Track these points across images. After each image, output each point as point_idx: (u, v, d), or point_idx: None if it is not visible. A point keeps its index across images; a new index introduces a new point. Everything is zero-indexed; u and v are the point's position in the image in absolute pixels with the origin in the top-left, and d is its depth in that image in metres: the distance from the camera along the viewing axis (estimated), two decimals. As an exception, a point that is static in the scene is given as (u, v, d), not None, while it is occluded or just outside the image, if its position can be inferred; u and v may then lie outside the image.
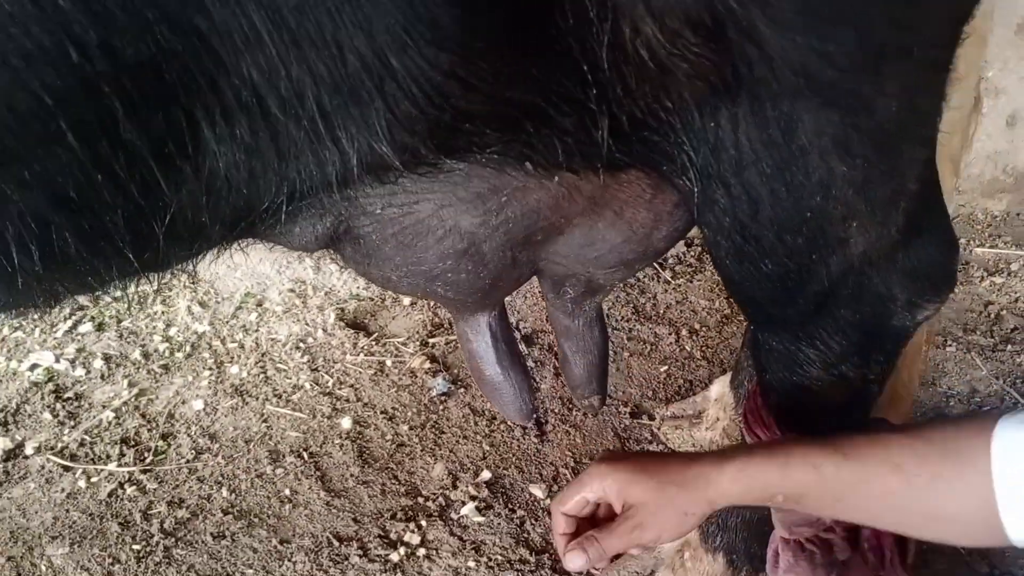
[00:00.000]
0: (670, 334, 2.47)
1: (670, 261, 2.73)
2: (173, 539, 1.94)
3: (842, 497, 1.03)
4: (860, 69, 0.82)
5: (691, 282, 2.66)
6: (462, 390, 2.32)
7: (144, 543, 1.93)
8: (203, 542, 1.93)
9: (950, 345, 2.38)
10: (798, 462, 1.05)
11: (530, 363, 2.36)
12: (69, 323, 2.58)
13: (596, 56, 0.83)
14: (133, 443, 2.19)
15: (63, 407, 2.30)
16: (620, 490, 1.08)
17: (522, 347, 2.40)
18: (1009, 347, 2.36)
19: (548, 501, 2.00)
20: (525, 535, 1.92)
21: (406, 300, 2.64)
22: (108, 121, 0.77)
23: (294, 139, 0.82)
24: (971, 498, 0.94)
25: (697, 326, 2.50)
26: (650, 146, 0.95)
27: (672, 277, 2.67)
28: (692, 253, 2.76)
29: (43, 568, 1.88)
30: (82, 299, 2.64)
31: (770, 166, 0.93)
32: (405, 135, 0.80)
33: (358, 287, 2.69)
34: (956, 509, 0.96)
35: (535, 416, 2.21)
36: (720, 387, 2.06)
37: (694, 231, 2.72)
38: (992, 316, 2.48)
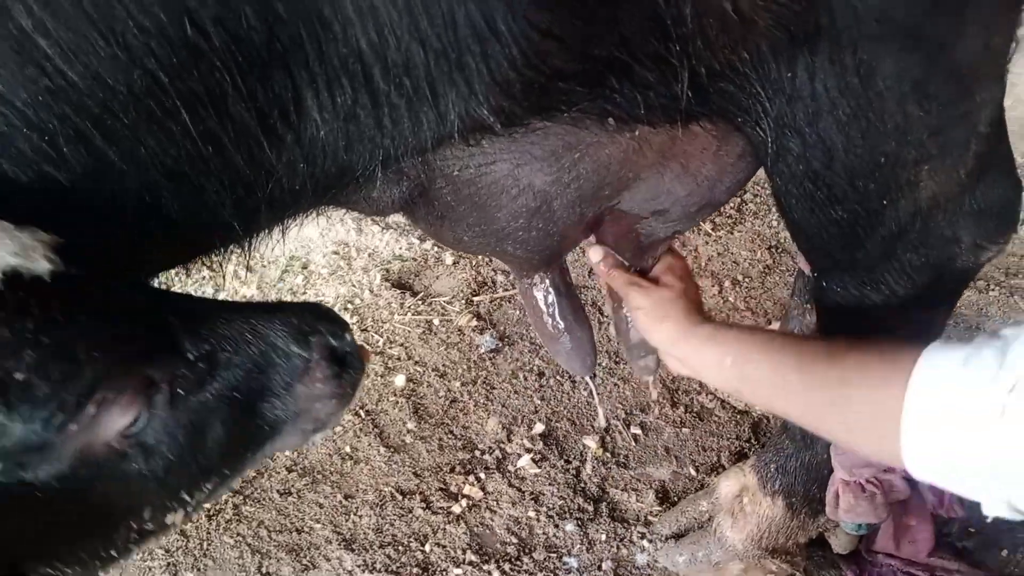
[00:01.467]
0: (713, 286, 2.49)
1: (709, 214, 2.74)
2: (241, 497, 2.00)
3: (777, 367, 1.06)
4: (942, 10, 0.84)
5: (732, 234, 2.67)
6: (509, 347, 2.36)
7: (214, 502, 2.00)
8: (270, 499, 2.00)
9: (993, 289, 2.39)
10: (760, 334, 1.12)
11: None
12: (121, 292, 2.64)
13: (680, 10, 0.85)
14: (193, 406, 2.25)
15: (123, 373, 2.36)
16: (667, 269, 1.32)
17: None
18: (1060, 296, 2.37)
19: (601, 452, 2.05)
20: (582, 485, 1.97)
21: (448, 259, 2.67)
22: (218, 94, 0.80)
23: (394, 106, 0.85)
24: (878, 415, 0.95)
25: (740, 277, 2.52)
26: (726, 97, 0.97)
27: (712, 229, 2.68)
28: (732, 204, 2.76)
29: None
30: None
31: (847, 113, 0.95)
32: (502, 97, 0.83)
33: (400, 248, 2.73)
34: (868, 412, 0.97)
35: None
36: (768, 336, 2.09)
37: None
38: (1036, 259, 2.48)
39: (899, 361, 0.95)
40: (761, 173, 1.16)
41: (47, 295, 0.68)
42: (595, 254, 1.31)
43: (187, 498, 0.82)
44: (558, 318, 1.36)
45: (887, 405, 0.94)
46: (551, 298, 1.35)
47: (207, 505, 1.95)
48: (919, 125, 0.96)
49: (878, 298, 1.22)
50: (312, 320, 0.87)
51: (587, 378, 2.10)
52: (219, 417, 0.80)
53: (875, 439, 0.98)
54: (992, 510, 0.91)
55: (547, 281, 1.34)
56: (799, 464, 1.59)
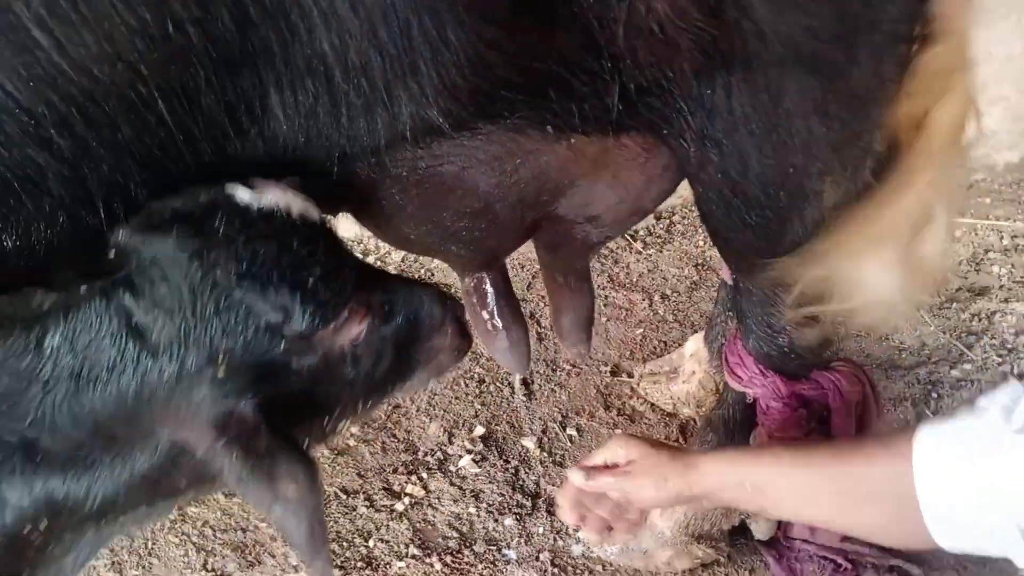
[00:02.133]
0: (643, 300, 2.63)
1: (641, 233, 2.89)
2: (186, 497, 2.04)
3: (794, 481, 1.16)
4: (838, 40, 0.98)
5: (661, 252, 2.82)
6: (451, 355, 2.45)
7: (158, 502, 2.03)
8: (215, 500, 2.04)
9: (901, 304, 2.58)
10: (766, 455, 1.22)
11: (514, 328, 2.51)
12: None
13: (612, 32, 0.97)
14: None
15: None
16: (627, 452, 1.30)
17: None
18: (954, 305, 2.57)
19: (539, 452, 2.15)
20: (520, 482, 2.07)
21: (393, 271, 2.76)
22: (192, 88, 0.89)
23: (352, 105, 0.95)
24: (898, 507, 1.04)
25: (668, 292, 2.67)
26: (653, 111, 1.10)
27: (643, 248, 2.83)
28: (661, 225, 2.92)
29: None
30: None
31: (759, 127, 1.08)
32: (451, 101, 0.94)
33: (345, 261, 2.80)
34: (888, 513, 1.07)
35: (522, 376, 2.36)
36: (695, 344, 2.23)
37: (663, 204, 2.87)
38: (939, 278, 2.69)
39: (899, 450, 1.05)
40: (688, 197, 1.29)
41: (321, 232, 0.97)
42: (577, 476, 1.33)
43: (358, 408, 1.06)
44: (496, 317, 1.45)
45: (902, 496, 1.03)
46: (490, 298, 1.45)
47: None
48: (822, 141, 1.10)
49: (790, 300, 1.36)
50: (445, 294, 1.14)
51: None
52: (390, 348, 1.05)
53: (904, 530, 1.08)
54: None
55: (488, 282, 1.44)
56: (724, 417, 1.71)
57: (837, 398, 1.46)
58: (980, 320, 2.50)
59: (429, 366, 1.13)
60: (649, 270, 2.75)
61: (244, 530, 1.98)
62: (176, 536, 1.96)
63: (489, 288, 1.49)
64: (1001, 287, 2.62)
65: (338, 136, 1.00)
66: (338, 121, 0.98)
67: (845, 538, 1.79)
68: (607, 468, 1.31)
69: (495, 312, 1.51)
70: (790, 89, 1.04)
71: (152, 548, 1.94)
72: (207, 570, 1.89)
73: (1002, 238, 2.81)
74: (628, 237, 2.87)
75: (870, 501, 1.08)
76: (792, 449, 1.22)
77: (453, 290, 2.59)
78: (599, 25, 0.97)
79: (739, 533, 1.86)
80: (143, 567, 1.90)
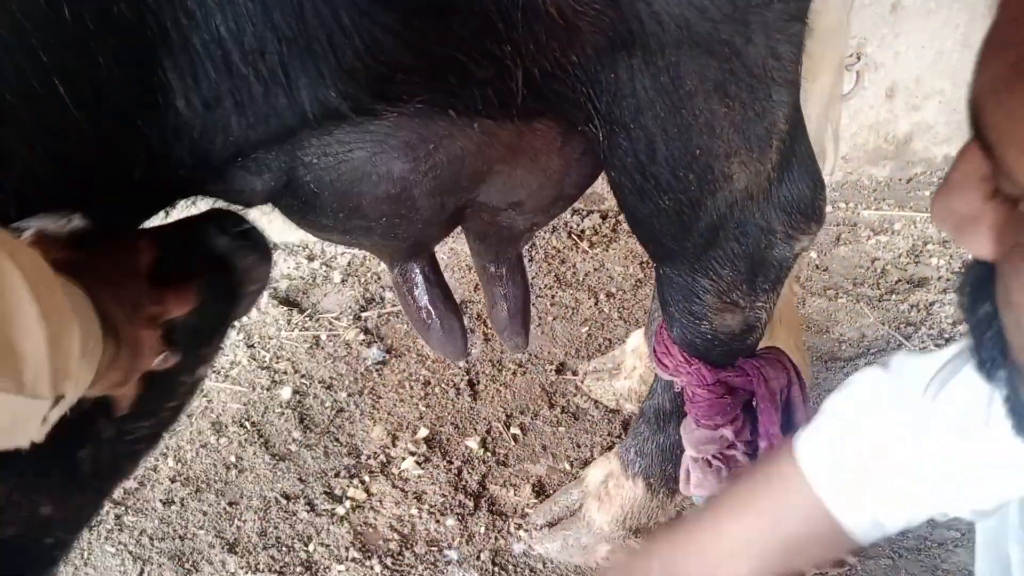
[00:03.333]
0: (589, 298, 2.64)
1: (587, 232, 2.90)
2: (123, 507, 2.01)
3: (702, 553, 1.07)
4: (730, 20, 0.99)
5: (607, 251, 2.84)
6: (396, 358, 2.44)
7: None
8: (153, 508, 2.01)
9: (841, 297, 2.62)
10: (664, 540, 1.16)
11: (459, 330, 2.50)
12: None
13: (511, 16, 0.97)
14: (75, 423, 2.24)
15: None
16: None
17: (451, 315, 2.53)
18: (894, 296, 2.61)
19: (482, 452, 2.15)
20: (463, 483, 2.06)
21: (337, 277, 2.74)
22: (95, 75, 0.88)
23: (252, 90, 0.94)
24: (816, 527, 0.99)
25: (614, 290, 2.68)
26: (559, 96, 1.10)
27: (589, 247, 2.84)
28: (607, 225, 2.94)
29: (-7, 542, 1.93)
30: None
31: (663, 110, 1.09)
32: (349, 84, 0.94)
33: (288, 267, 2.78)
34: (803, 523, 1.01)
35: (467, 377, 2.35)
36: (635, 339, 2.24)
37: (609, 204, 2.88)
38: (878, 271, 2.73)
39: (779, 470, 1.03)
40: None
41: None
42: None
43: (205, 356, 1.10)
44: (429, 306, 1.46)
45: (807, 506, 0.99)
46: (421, 287, 1.45)
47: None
48: (724, 121, 1.12)
49: (708, 284, 1.37)
50: (224, 217, 1.13)
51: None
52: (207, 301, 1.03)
53: (821, 537, 1.01)
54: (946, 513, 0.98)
55: (417, 271, 1.44)
56: (655, 446, 1.72)
57: (761, 385, 1.47)
58: (919, 311, 2.54)
59: (246, 284, 1.13)
60: (595, 269, 2.76)
61: (182, 538, 1.95)
62: (112, 545, 1.93)
63: (419, 278, 1.49)
64: (939, 278, 2.67)
65: (243, 124, 0.99)
66: (241, 108, 0.97)
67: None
68: None
69: (427, 302, 1.51)
70: (689, 70, 1.05)
71: (88, 558, 1.90)
72: (143, 580, 1.86)
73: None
74: (575, 236, 2.88)
75: (779, 530, 1.02)
76: (681, 526, 1.17)
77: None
78: (497, 10, 0.97)
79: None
80: (77, 579, 1.86)
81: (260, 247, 1.15)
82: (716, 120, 1.11)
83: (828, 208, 1.84)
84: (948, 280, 2.66)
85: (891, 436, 0.95)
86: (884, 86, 2.92)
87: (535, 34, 1.01)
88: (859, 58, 2.77)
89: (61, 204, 0.96)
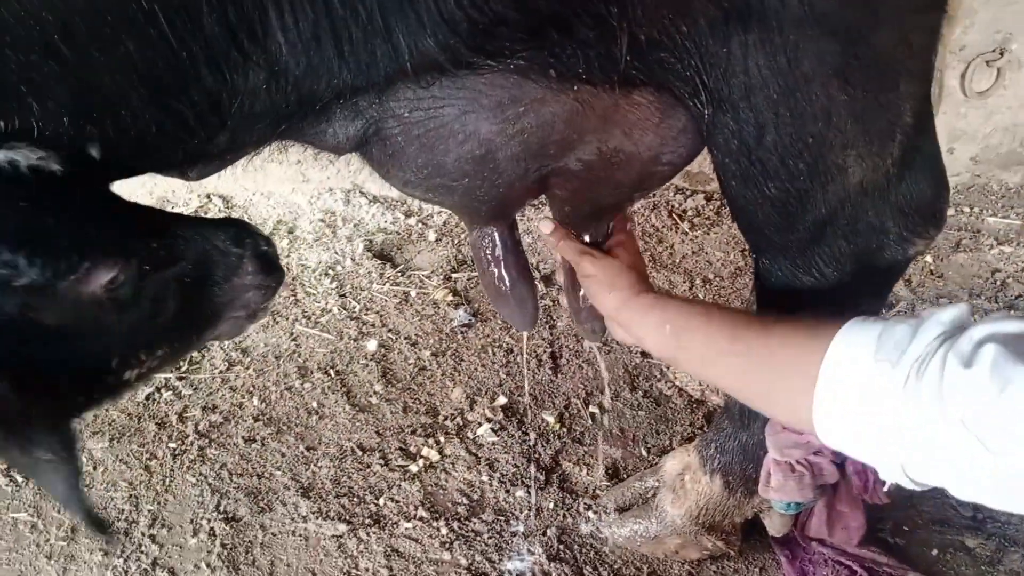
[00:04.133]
0: (684, 282, 2.56)
1: (689, 213, 2.81)
2: (207, 440, 2.08)
3: (710, 337, 1.12)
4: (859, 1, 0.91)
5: (708, 234, 2.74)
6: (481, 323, 2.43)
7: (179, 442, 2.07)
8: (235, 444, 2.07)
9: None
10: (699, 307, 1.19)
11: (547, 302, 2.47)
12: (113, 241, 2.72)
13: (620, -25, 0.92)
14: (171, 353, 2.33)
15: (106, 318, 2.43)
16: (616, 240, 1.40)
17: (540, 286, 2.50)
18: (1012, 313, 2.43)
19: (558, 427, 2.12)
20: (536, 455, 2.04)
21: (431, 235, 2.75)
22: (193, 5, 0.87)
23: (352, 35, 0.92)
24: (796, 384, 1.00)
25: (711, 276, 2.59)
26: (666, 66, 1.04)
27: (690, 228, 2.75)
28: (711, 207, 2.84)
29: (84, 460, 2.03)
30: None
31: (776, 91, 1.02)
32: (449, 34, 0.91)
33: (386, 221, 2.80)
34: (787, 381, 1.02)
35: (551, 350, 2.33)
36: (729, 329, 2.16)
37: (715, 185, 2.78)
38: (998, 283, 2.55)
39: (820, 334, 1.01)
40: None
41: (57, 183, 0.88)
42: (545, 226, 1.42)
43: (143, 358, 1.00)
44: (503, 272, 1.42)
45: (804, 375, 0.99)
46: (498, 252, 1.41)
47: (171, 445, 2.02)
48: (843, 109, 1.03)
49: (809, 282, 1.29)
50: (245, 230, 1.09)
51: (595, 348, 2.19)
52: (173, 294, 0.99)
53: (791, 407, 1.03)
54: (889, 476, 0.97)
55: (495, 236, 1.40)
56: (737, 444, 1.65)
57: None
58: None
59: (235, 308, 1.08)
60: (694, 252, 2.68)
61: (260, 476, 2.00)
62: (194, 476, 2.00)
63: (497, 243, 1.45)
64: (1068, 297, 2.47)
65: (340, 67, 0.98)
66: (340, 51, 0.95)
67: (862, 543, 1.72)
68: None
69: (502, 267, 1.47)
70: (809, 51, 0.97)
71: (169, 485, 1.98)
72: (219, 512, 1.92)
73: None
74: (676, 216, 2.80)
75: (770, 372, 1.05)
76: (726, 310, 1.18)
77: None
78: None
79: (752, 528, 1.80)
80: (158, 503, 1.94)
81: (270, 274, 1.09)
82: (834, 107, 1.03)
83: (950, 211, 1.72)
84: (1078, 300, 2.47)
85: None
86: (1029, 85, 2.70)
87: (644, -2, 0.95)
88: (1002, 54, 2.56)
89: (154, 139, 0.98)
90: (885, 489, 1.21)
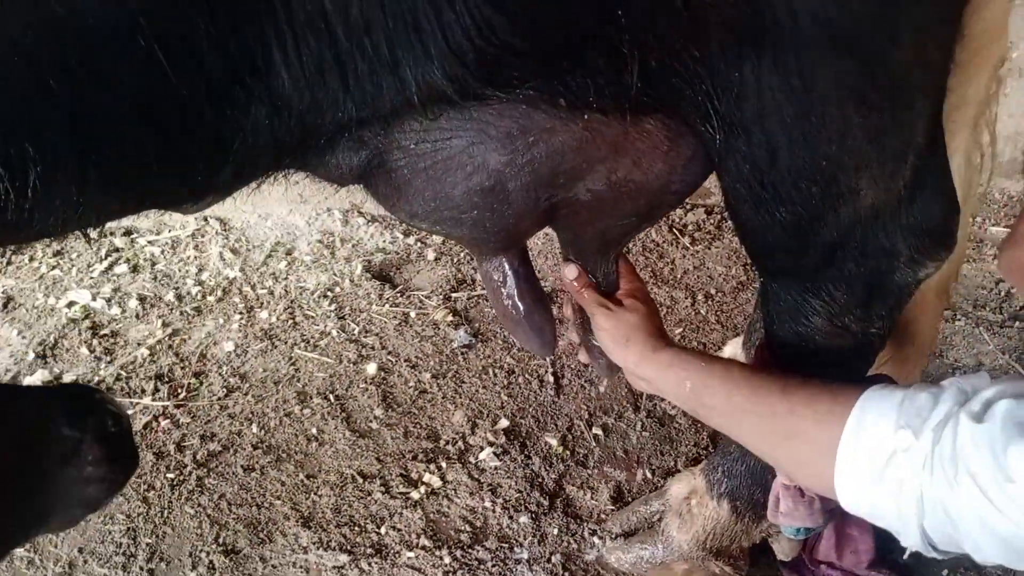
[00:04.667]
0: (686, 298, 2.54)
1: (690, 228, 2.79)
2: (205, 469, 2.04)
3: (732, 397, 1.14)
4: (875, 18, 0.89)
5: (709, 249, 2.72)
6: (482, 343, 2.41)
7: (177, 472, 2.03)
8: (234, 474, 2.03)
9: (959, 319, 2.44)
10: (720, 364, 1.21)
11: (549, 321, 2.44)
12: (105, 263, 2.68)
13: (631, 2, 0.90)
14: (167, 379, 2.29)
15: (99, 343, 2.40)
16: (631, 287, 1.41)
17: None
18: (1017, 324, 2.41)
19: (562, 449, 2.09)
20: (539, 480, 2.01)
21: (431, 255, 2.72)
22: (193, 41, 0.84)
23: (357, 67, 0.90)
24: (818, 449, 1.01)
25: (713, 291, 2.57)
26: (677, 92, 1.02)
27: (691, 243, 2.73)
28: (712, 221, 2.82)
29: (82, 490, 1.99)
30: (117, 240, 2.75)
31: (790, 114, 1.00)
32: (457, 65, 0.88)
33: (384, 241, 2.78)
34: (810, 446, 1.03)
35: (552, 371, 2.30)
36: (732, 348, 2.14)
37: (716, 199, 2.77)
38: (1002, 294, 2.53)
39: (842, 399, 1.02)
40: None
41: None
42: (571, 272, 1.41)
43: None
44: (517, 300, 1.40)
45: (827, 441, 1.00)
46: (510, 281, 1.39)
47: (169, 476, 1.99)
48: (858, 131, 1.01)
49: (819, 305, 1.27)
50: (89, 402, 0.88)
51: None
52: None
53: (814, 473, 1.05)
54: (911, 544, 0.97)
55: (506, 264, 1.38)
56: (744, 468, 1.63)
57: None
58: (1048, 351, 2.34)
59: (68, 504, 0.87)
60: (695, 267, 2.66)
61: (259, 506, 1.97)
62: (192, 507, 1.96)
63: (508, 271, 1.43)
64: (1070, 308, 2.46)
65: (345, 100, 0.95)
66: (344, 83, 0.93)
67: (871, 565, 1.69)
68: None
69: (515, 296, 1.45)
70: (823, 73, 0.95)
71: (167, 517, 1.94)
72: (218, 544, 1.88)
73: (1003, 277, 2.63)
74: (676, 231, 2.78)
75: (793, 437, 1.06)
76: (745, 369, 1.21)
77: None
78: (618, -5, 0.90)
79: (760, 552, 1.77)
80: (156, 535, 1.90)
81: (117, 462, 0.88)
82: (849, 129, 1.01)
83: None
84: (1082, 311, 2.45)
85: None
86: (1029, 95, 2.69)
87: (656, 24, 0.93)
88: (1003, 62, 2.55)
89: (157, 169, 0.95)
90: (905, 557, 1.21)
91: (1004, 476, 0.81)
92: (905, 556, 1.14)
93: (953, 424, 0.88)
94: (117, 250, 2.74)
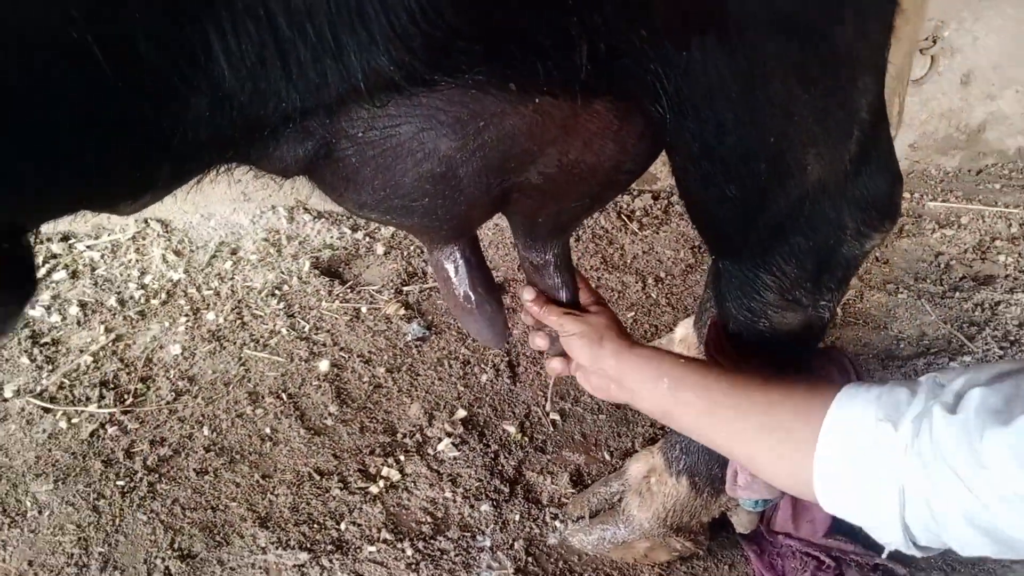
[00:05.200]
0: (637, 282, 2.56)
1: (637, 213, 2.82)
2: (156, 475, 1.99)
3: (707, 394, 1.15)
4: (819, -3, 0.90)
5: (657, 233, 2.75)
6: (436, 335, 2.39)
7: (128, 479, 1.98)
8: (186, 478, 1.99)
9: (901, 292, 2.50)
10: (696, 363, 1.22)
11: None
12: (43, 271, 2.60)
13: (578, -17, 0.90)
14: (112, 386, 2.23)
15: (40, 352, 2.33)
16: (590, 299, 1.43)
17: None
18: (957, 294, 2.49)
19: (520, 436, 2.09)
20: (499, 467, 2.01)
21: (380, 249, 2.70)
22: (126, 30, 0.82)
23: (300, 55, 0.88)
24: (797, 443, 1.02)
25: (662, 275, 2.59)
26: (625, 73, 1.02)
27: (639, 228, 2.75)
28: (659, 206, 2.85)
29: (28, 504, 1.93)
30: (55, 247, 2.66)
31: (736, 92, 1.01)
32: (403, 51, 0.86)
33: (331, 237, 2.74)
34: (786, 445, 1.03)
35: (508, 359, 2.30)
36: (684, 329, 2.16)
37: (662, 184, 2.80)
38: (942, 266, 2.60)
39: (818, 396, 1.02)
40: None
41: None
42: (528, 293, 1.44)
43: None
44: (468, 290, 1.39)
45: (804, 439, 1.00)
46: (462, 270, 1.38)
47: (119, 483, 1.94)
48: (803, 107, 1.03)
49: (770, 280, 1.29)
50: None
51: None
52: None
53: (790, 472, 1.04)
54: (891, 541, 0.97)
55: (458, 254, 1.37)
56: (702, 445, 1.64)
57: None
58: (983, 310, 2.42)
59: None
60: (644, 252, 2.68)
61: (214, 509, 1.93)
62: (144, 513, 1.91)
63: (459, 261, 1.42)
64: (1007, 276, 2.54)
65: (288, 89, 0.93)
66: (287, 72, 0.90)
67: (828, 534, 1.73)
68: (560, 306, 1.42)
69: (466, 285, 1.44)
70: (770, 50, 0.96)
71: (119, 525, 1.89)
72: (174, 549, 1.84)
73: (1010, 226, 2.73)
74: (625, 217, 2.80)
75: (769, 433, 1.05)
76: (721, 368, 1.22)
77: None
78: (563, -25, 0.89)
79: (720, 526, 1.80)
80: (109, 544, 1.85)
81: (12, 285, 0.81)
82: (794, 105, 1.02)
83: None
84: (1016, 279, 2.54)
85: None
86: (960, 72, 2.77)
87: (604, 6, 0.93)
88: (935, 42, 2.63)
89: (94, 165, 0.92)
90: (884, 556, 1.23)
91: (977, 462, 0.82)
92: (884, 555, 1.14)
93: (929, 417, 0.89)
94: (55, 256, 2.66)
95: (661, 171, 2.79)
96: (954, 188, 2.89)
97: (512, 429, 2.11)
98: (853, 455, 0.95)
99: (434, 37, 0.86)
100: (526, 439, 2.09)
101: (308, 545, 1.84)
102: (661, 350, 1.28)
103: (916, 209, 2.80)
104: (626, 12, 0.94)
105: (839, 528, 1.81)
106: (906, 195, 2.84)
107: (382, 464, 2.02)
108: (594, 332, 1.33)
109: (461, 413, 2.15)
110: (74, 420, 2.13)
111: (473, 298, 1.40)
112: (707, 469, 1.66)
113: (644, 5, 0.94)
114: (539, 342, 1.49)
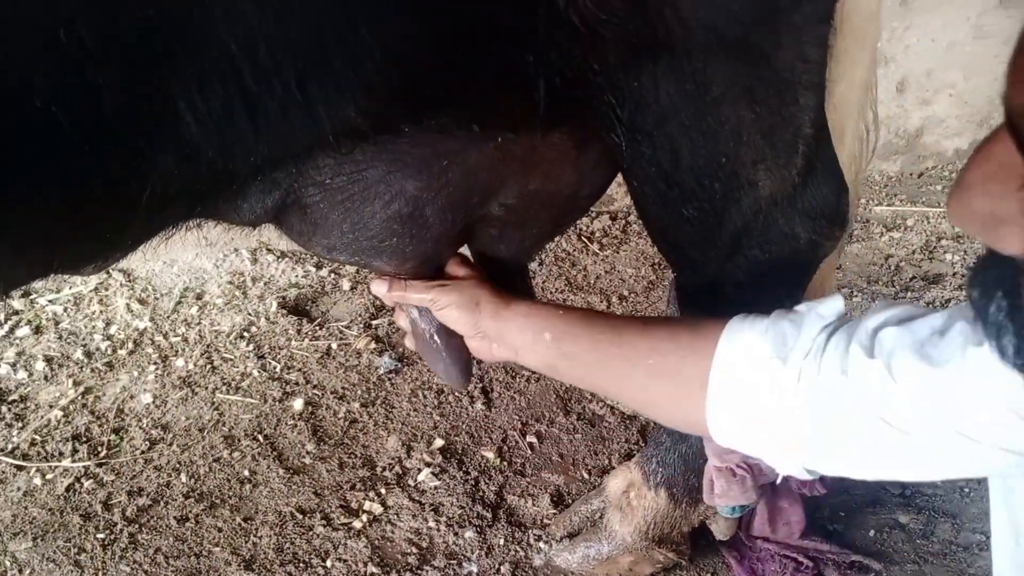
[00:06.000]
0: (602, 301, 2.61)
1: (597, 235, 2.87)
2: (137, 525, 1.98)
3: (594, 342, 1.12)
4: (759, 23, 0.96)
5: (618, 253, 2.81)
6: (408, 367, 2.42)
7: (108, 531, 1.97)
8: (167, 526, 1.98)
9: (856, 296, 2.59)
10: (578, 312, 1.19)
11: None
12: (5, 328, 2.58)
13: (532, 24, 0.95)
14: (85, 439, 2.22)
15: (9, 409, 2.30)
16: (455, 269, 1.33)
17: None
18: (909, 294, 2.58)
19: (499, 461, 2.12)
20: (480, 493, 2.03)
21: (346, 285, 2.72)
22: (94, 94, 0.84)
23: (268, 109, 0.91)
24: (687, 385, 1.02)
25: (626, 292, 2.65)
26: (582, 104, 1.07)
27: (600, 249, 2.81)
28: (617, 226, 2.91)
29: (7, 564, 1.91)
30: (16, 303, 2.64)
31: (688, 117, 1.06)
32: (370, 101, 0.91)
33: (296, 275, 2.76)
34: (676, 383, 1.04)
35: (481, 385, 2.32)
36: (651, 344, 2.21)
37: (619, 205, 2.86)
38: (892, 268, 2.70)
39: (706, 333, 1.04)
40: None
41: None
42: (378, 286, 1.34)
43: None
44: (434, 332, 1.38)
45: (695, 376, 1.01)
46: (426, 310, 1.39)
47: (99, 536, 1.92)
48: (751, 127, 1.09)
49: (731, 293, 1.34)
50: None
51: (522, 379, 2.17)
52: None
53: (683, 410, 1.05)
54: (784, 469, 1.01)
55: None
56: (677, 456, 1.69)
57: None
58: (935, 308, 2.50)
59: None
60: (606, 271, 2.74)
61: (198, 555, 1.92)
62: (127, 564, 1.90)
63: None
64: (955, 275, 2.64)
65: (256, 142, 0.96)
66: (255, 127, 0.94)
67: (804, 535, 1.78)
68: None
69: (431, 324, 1.42)
70: (716, 76, 1.02)
71: (101, 580, 1.88)
72: (159, 600, 1.83)
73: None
74: (585, 239, 2.85)
75: (659, 376, 1.05)
76: (603, 314, 1.20)
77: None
78: (519, 19, 0.94)
79: (700, 535, 1.84)
80: (92, 600, 1.84)
81: None
82: (743, 126, 1.08)
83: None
84: (963, 276, 2.63)
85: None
86: (895, 80, 2.89)
87: (558, 43, 0.98)
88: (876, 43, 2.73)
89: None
90: (777, 481, 1.25)
91: (903, 405, 0.86)
92: (777, 480, 1.14)
93: (839, 356, 0.91)
94: (16, 313, 2.64)
95: (617, 192, 2.85)
96: (898, 192, 3.00)
97: (490, 455, 2.13)
98: (744, 393, 0.97)
99: (399, 85, 0.90)
100: (505, 463, 2.12)
101: (295, 585, 1.85)
102: (540, 303, 1.23)
103: (863, 214, 2.89)
104: (578, 49, 1.00)
105: (814, 529, 1.86)
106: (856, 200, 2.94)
107: (363, 498, 2.04)
108: (468, 298, 1.25)
109: (439, 442, 2.17)
110: (48, 476, 2.11)
111: (438, 340, 1.39)
112: (684, 480, 1.70)
113: (595, 41, 0.99)
114: (402, 322, 1.41)
